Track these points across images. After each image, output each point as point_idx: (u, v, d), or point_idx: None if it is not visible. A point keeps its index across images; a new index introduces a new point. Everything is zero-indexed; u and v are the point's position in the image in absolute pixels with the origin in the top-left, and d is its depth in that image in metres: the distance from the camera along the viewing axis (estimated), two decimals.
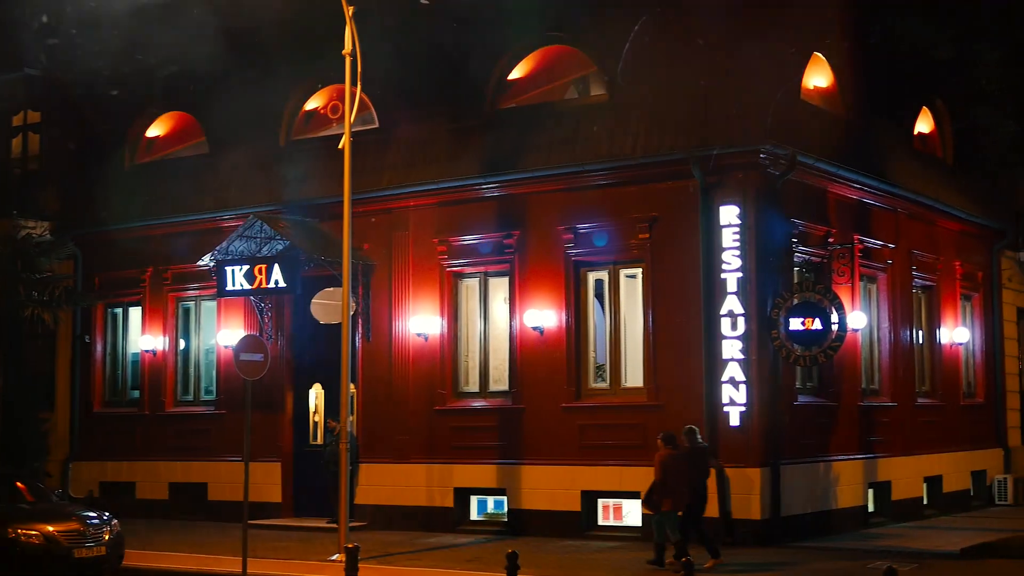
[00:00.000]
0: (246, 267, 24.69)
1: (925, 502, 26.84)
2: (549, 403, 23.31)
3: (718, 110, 22.17)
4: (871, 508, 24.77)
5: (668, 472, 18.97)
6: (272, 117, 27.52)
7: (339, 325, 21.66)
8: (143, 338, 28.88)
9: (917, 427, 26.62)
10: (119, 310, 29.96)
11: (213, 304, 27.80)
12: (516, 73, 25.04)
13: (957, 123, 29.11)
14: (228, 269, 24.92)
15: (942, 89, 28.30)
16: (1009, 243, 31.12)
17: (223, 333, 27.28)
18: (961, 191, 29.06)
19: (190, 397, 28.68)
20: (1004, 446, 30.42)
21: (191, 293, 28.47)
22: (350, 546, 16.71)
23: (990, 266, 30.71)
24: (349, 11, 20.81)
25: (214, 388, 28.04)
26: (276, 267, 24.45)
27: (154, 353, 28.74)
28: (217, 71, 27.94)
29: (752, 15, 22.73)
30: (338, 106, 26.50)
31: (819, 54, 24.57)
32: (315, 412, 26.51)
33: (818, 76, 24.76)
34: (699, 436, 19.75)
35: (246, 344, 19.45)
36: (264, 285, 24.63)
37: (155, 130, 30.22)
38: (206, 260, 25.70)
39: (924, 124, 28.82)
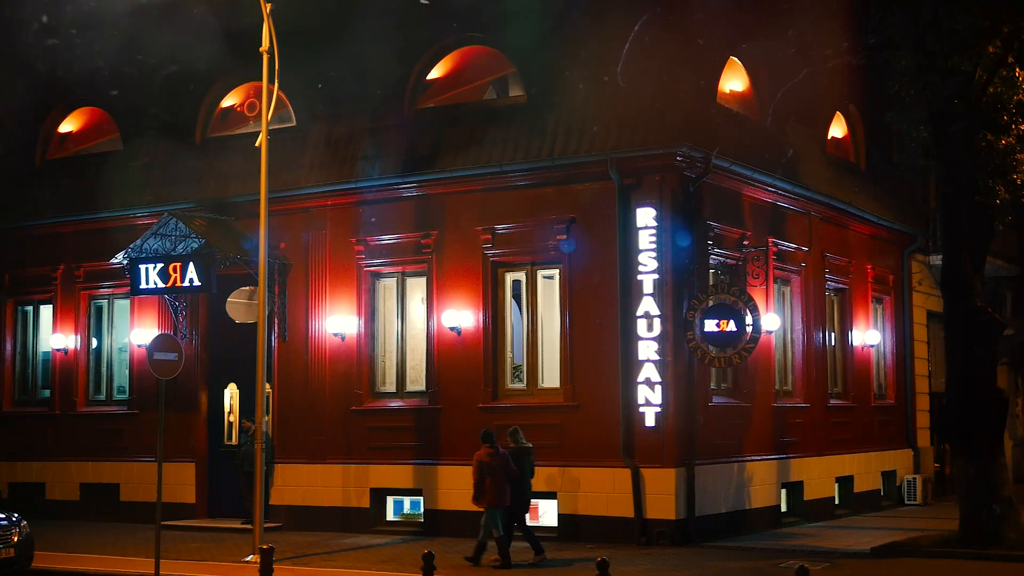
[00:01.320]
0: (160, 265, 24.42)
1: (837, 502, 27.21)
2: (466, 403, 23.32)
3: (635, 112, 22.31)
4: (784, 508, 25.07)
5: (487, 471, 19.42)
6: (188, 114, 27.27)
7: (255, 324, 21.51)
8: (54, 336, 28.46)
9: (829, 428, 26.98)
10: (30, 308, 29.50)
11: (126, 303, 27.47)
12: (435, 73, 25.02)
13: (870, 129, 29.57)
14: (142, 267, 24.63)
15: (855, 95, 28.72)
16: (919, 247, 31.65)
17: (136, 332, 26.97)
18: (873, 196, 29.49)
19: (102, 396, 28.31)
20: (914, 447, 30.92)
21: (104, 291, 28.11)
22: (265, 547, 16.59)
23: (901, 270, 31.21)
24: (267, 8, 20.67)
25: (127, 387, 27.71)
26: (191, 265, 24.20)
27: (65, 352, 28.33)
28: (132, 67, 27.61)
29: (669, 19, 22.89)
30: (255, 104, 26.30)
31: (735, 59, 24.84)
32: (230, 412, 26.28)
33: (734, 80, 25.03)
34: (522, 436, 20.25)
35: (160, 343, 19.24)
36: (179, 284, 24.37)
37: (68, 126, 29.79)
38: (119, 258, 25.38)
39: (838, 129, 29.23)
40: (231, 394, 26.28)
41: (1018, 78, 21.62)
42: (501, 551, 19.17)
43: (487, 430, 20.16)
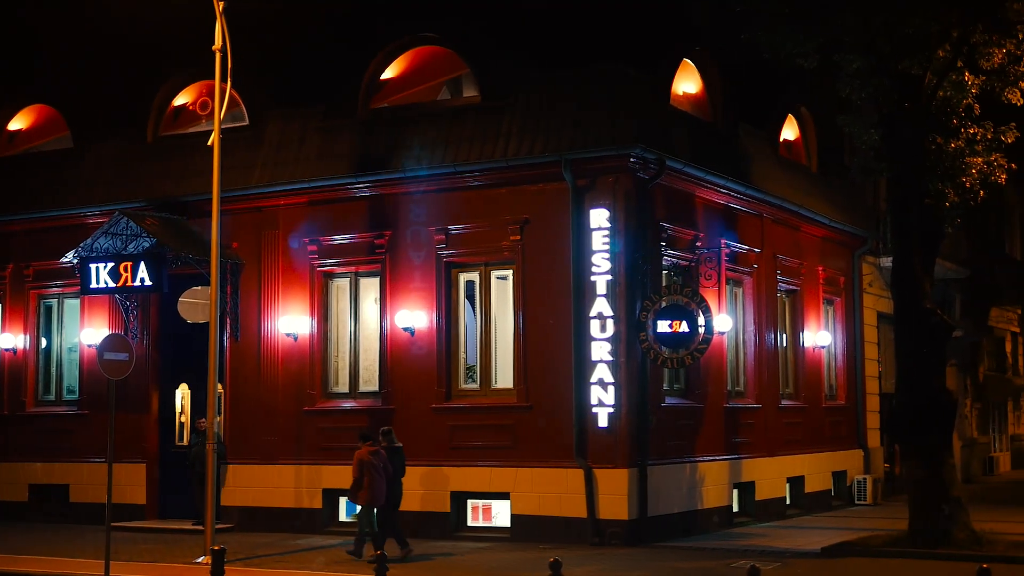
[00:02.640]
0: (111, 264, 24.22)
1: (788, 502, 27.38)
2: (419, 404, 23.29)
3: (589, 114, 22.36)
4: (736, 508, 25.20)
5: (367, 469, 19.95)
6: (139, 112, 27.07)
7: (207, 324, 21.39)
8: (3, 336, 28.15)
9: (781, 429, 27.15)
10: None
11: (76, 302, 27.25)
12: (389, 73, 24.98)
13: (821, 131, 29.79)
14: (92, 266, 24.42)
15: (807, 97, 28.94)
16: (870, 249, 31.91)
17: (87, 332, 26.75)
18: (825, 198, 29.71)
19: (52, 397, 28.06)
20: (864, 447, 31.16)
21: (54, 291, 27.86)
22: (216, 548, 16.49)
23: (852, 271, 31.46)
24: (219, 6, 20.56)
25: (77, 388, 27.47)
26: (142, 265, 24.03)
27: (14, 352, 28.05)
28: (83, 63, 27.41)
29: (624, 21, 22.97)
30: (207, 102, 26.16)
31: (689, 61, 24.94)
32: (181, 413, 26.12)
33: (687, 83, 25.13)
34: (394, 437, 20.87)
35: (110, 343, 19.09)
36: (130, 283, 24.19)
37: (17, 123, 29.50)
38: (70, 257, 25.15)
39: (790, 131, 29.42)
40: (183, 394, 26.11)
41: (967, 82, 21.84)
42: (376, 544, 19.49)
43: (364, 430, 20.89)
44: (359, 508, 20.41)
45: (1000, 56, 21.49)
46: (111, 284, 24.38)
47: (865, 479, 30.33)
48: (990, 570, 13.04)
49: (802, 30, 20.96)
